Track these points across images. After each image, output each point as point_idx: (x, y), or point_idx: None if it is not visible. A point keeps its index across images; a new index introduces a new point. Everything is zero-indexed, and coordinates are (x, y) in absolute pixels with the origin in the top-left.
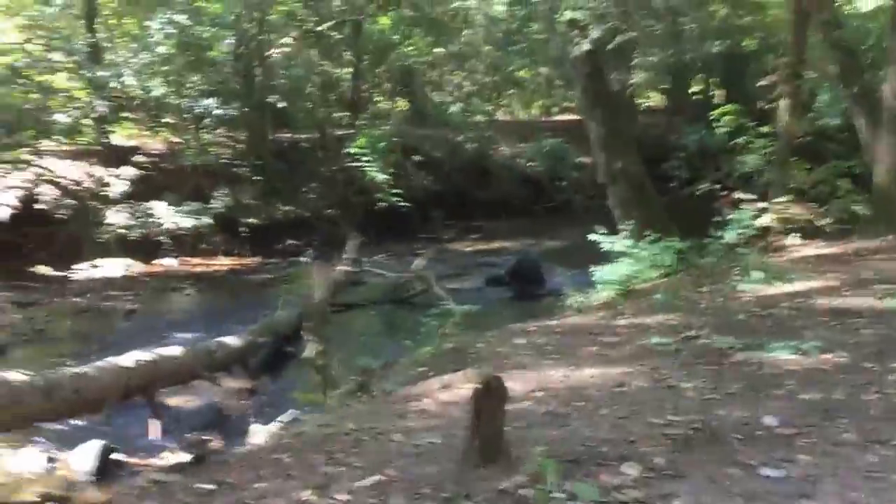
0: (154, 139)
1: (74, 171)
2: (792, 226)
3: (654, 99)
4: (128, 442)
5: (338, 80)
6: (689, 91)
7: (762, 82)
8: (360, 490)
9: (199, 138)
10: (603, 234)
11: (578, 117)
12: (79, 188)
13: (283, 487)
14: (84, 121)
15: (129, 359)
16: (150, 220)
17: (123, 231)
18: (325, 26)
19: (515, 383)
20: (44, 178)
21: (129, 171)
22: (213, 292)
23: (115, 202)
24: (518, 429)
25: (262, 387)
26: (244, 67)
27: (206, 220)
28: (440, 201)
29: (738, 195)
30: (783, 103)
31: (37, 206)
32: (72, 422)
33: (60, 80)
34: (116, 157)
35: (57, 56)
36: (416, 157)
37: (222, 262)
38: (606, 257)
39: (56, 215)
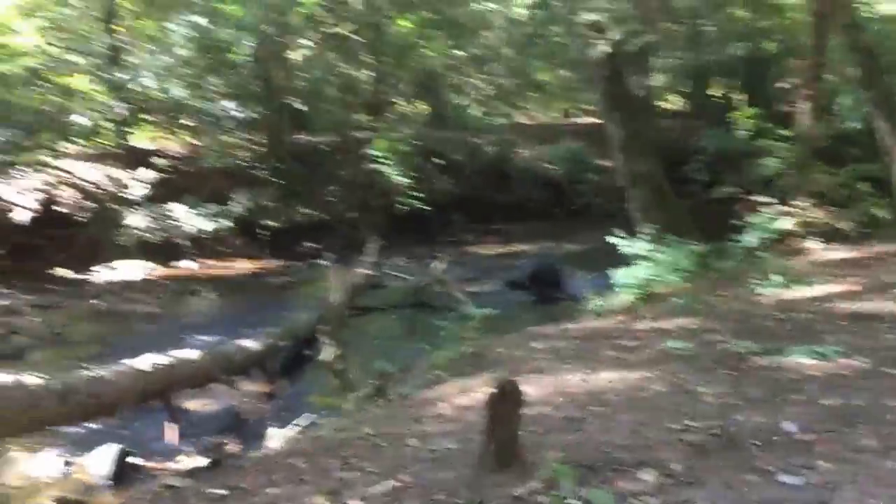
0: (174, 141)
1: (94, 174)
2: (812, 229)
3: (675, 102)
4: (145, 446)
5: (358, 82)
6: (710, 94)
7: (782, 85)
8: (373, 496)
9: (218, 141)
10: (622, 237)
11: (599, 120)
12: (98, 191)
13: (296, 493)
14: (103, 123)
15: (146, 362)
16: (170, 222)
17: (143, 234)
18: (344, 28)
19: (533, 387)
20: (63, 180)
21: (148, 174)
22: (233, 295)
23: (134, 205)
24: (534, 434)
25: (280, 390)
26: (264, 70)
27: (226, 222)
28: (460, 204)
29: (757, 199)
30: (803, 106)
31: (56, 209)
32: (89, 425)
33: (80, 82)
34: (136, 159)
35: (76, 58)
36: (436, 160)
37: (241, 265)
38: (626, 261)
39: (76, 218)
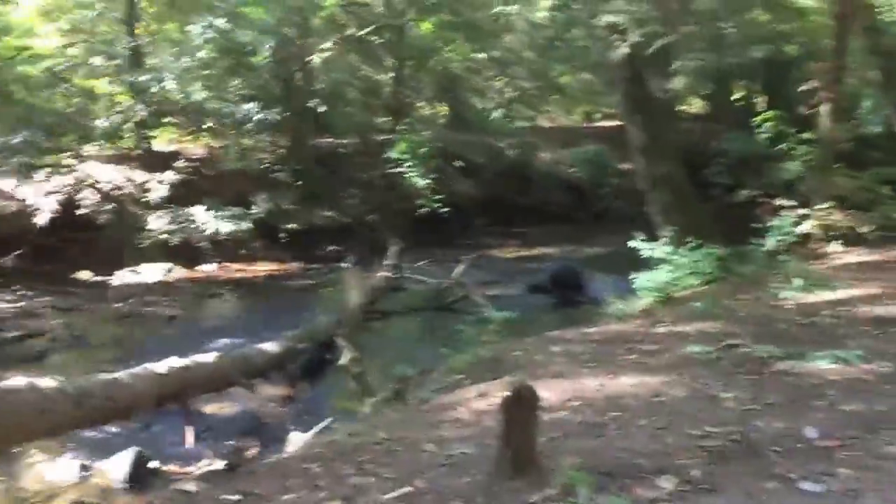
0: (195, 144)
1: (115, 176)
2: (833, 233)
3: (696, 105)
4: (165, 449)
5: (379, 85)
6: (731, 97)
7: (803, 88)
8: (387, 502)
9: (239, 143)
10: (643, 240)
11: (620, 123)
12: (120, 193)
13: (310, 499)
14: (125, 125)
15: (163, 366)
16: (191, 225)
17: (164, 236)
18: (365, 31)
19: (551, 392)
20: (85, 182)
21: (169, 176)
22: (253, 298)
23: (155, 207)
24: (552, 439)
25: (300, 394)
26: (285, 72)
27: (247, 225)
28: (481, 207)
29: (779, 202)
30: (824, 109)
31: (78, 211)
32: (109, 429)
33: (101, 84)
34: (157, 161)
35: (98, 60)
36: (457, 163)
37: (262, 268)
38: (647, 264)
39: (97, 220)
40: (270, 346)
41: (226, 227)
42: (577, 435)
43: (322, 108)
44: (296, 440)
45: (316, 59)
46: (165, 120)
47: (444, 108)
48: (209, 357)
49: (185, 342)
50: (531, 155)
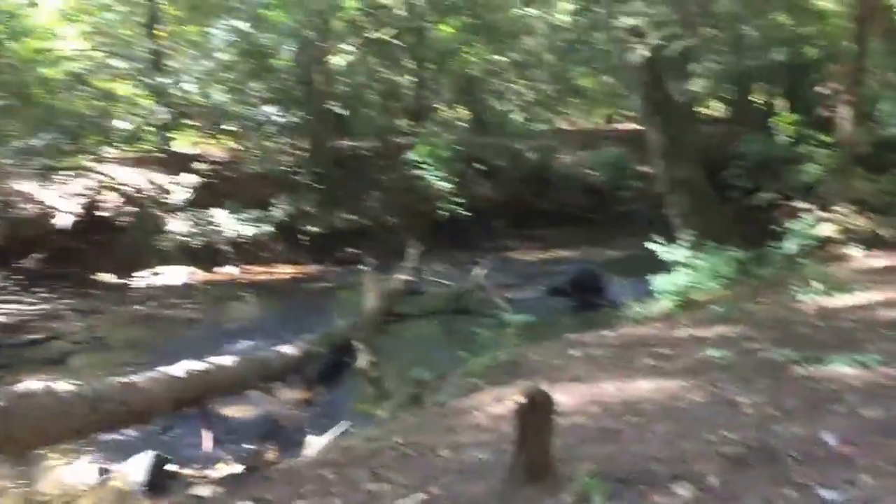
0: (215, 146)
1: (136, 179)
2: (853, 236)
3: (716, 108)
4: (184, 453)
5: (399, 87)
6: (751, 100)
7: (823, 91)
8: None
9: (260, 146)
10: (661, 243)
11: (640, 126)
12: (140, 195)
13: None
14: (146, 128)
15: (180, 369)
16: (212, 227)
17: (185, 239)
18: (386, 33)
19: (568, 396)
20: (106, 185)
21: (190, 179)
22: (274, 300)
23: (176, 210)
24: (569, 444)
25: (318, 397)
26: (305, 75)
27: (267, 227)
28: (501, 210)
29: (798, 205)
30: (844, 112)
31: (99, 214)
32: (128, 432)
33: (122, 86)
34: (178, 164)
35: (119, 63)
36: (478, 166)
37: (283, 271)
38: (666, 267)
39: (118, 222)
40: (288, 350)
41: (246, 230)
42: (594, 440)
43: (342, 111)
44: (313, 444)
45: (336, 61)
46: (186, 122)
47: (464, 111)
48: (227, 360)
49: (206, 345)
50: (551, 157)
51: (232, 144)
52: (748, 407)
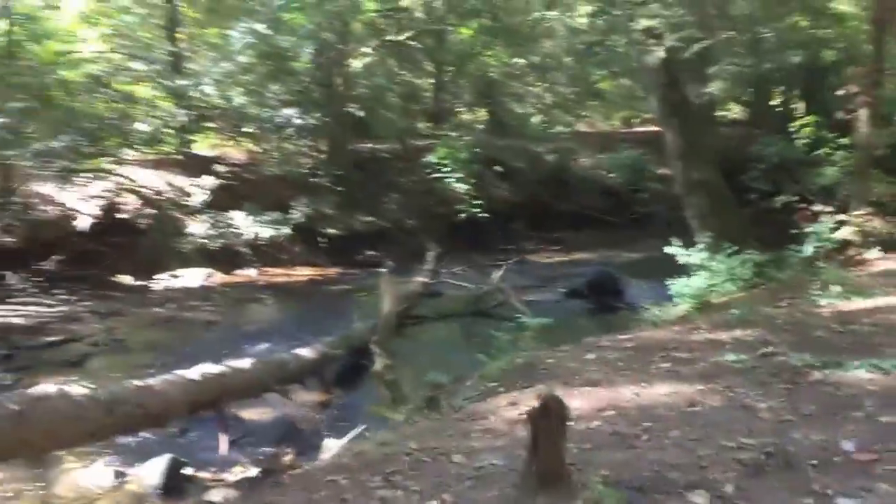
0: (235, 149)
1: (156, 181)
2: (872, 239)
3: (733, 110)
4: (200, 456)
5: (418, 90)
6: (769, 102)
7: (841, 93)
8: None
9: (279, 148)
10: (679, 246)
11: (658, 128)
12: (160, 198)
13: None
14: (165, 130)
15: (196, 372)
16: (231, 230)
17: (204, 241)
18: (405, 36)
19: (584, 401)
20: (125, 187)
21: (210, 181)
22: (293, 303)
23: (195, 212)
24: (584, 451)
25: (336, 400)
26: (324, 77)
27: (286, 230)
28: (520, 212)
29: (816, 207)
30: (862, 114)
31: (119, 216)
32: (145, 434)
33: (142, 89)
34: (197, 166)
35: (138, 65)
36: (496, 168)
37: (302, 273)
38: (685, 270)
39: (138, 225)
40: (306, 352)
41: (265, 232)
42: (609, 446)
43: (362, 113)
44: (331, 447)
45: (356, 63)
46: (206, 125)
47: (483, 113)
48: (244, 363)
49: (224, 347)
50: (569, 160)
51: (251, 147)
52: (765, 412)
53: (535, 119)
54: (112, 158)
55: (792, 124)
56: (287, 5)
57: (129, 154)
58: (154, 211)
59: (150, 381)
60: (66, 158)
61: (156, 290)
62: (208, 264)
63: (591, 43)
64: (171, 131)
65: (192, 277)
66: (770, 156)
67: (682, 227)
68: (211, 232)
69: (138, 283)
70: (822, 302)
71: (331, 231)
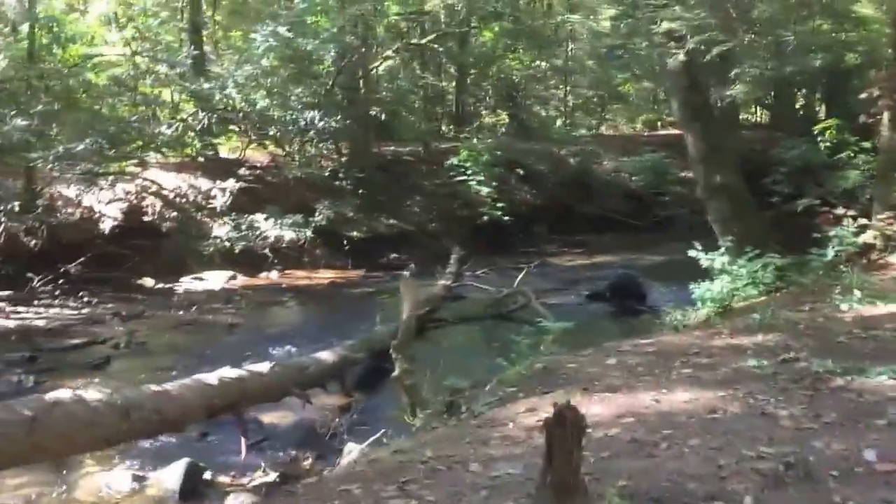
0: (258, 151)
1: (179, 184)
2: (894, 243)
3: (756, 113)
4: (220, 460)
5: (441, 92)
6: (791, 105)
7: (864, 97)
8: None
9: (302, 151)
10: (701, 250)
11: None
12: (183, 200)
13: None
14: (188, 133)
15: (214, 377)
16: (254, 232)
17: (227, 244)
18: (428, 39)
19: (603, 407)
20: (149, 190)
21: (232, 184)
22: (315, 305)
23: (219, 214)
24: (601, 459)
25: (356, 404)
26: (347, 80)
27: (309, 232)
28: (542, 215)
29: (838, 211)
30: (885, 118)
31: (142, 219)
32: (164, 438)
33: (166, 92)
34: (221, 169)
35: (162, 68)
36: (520, 171)
37: (324, 275)
38: (707, 273)
39: (161, 227)
40: (326, 356)
41: (288, 235)
42: (627, 455)
43: (384, 116)
44: (352, 451)
45: (379, 67)
46: (229, 128)
47: (505, 116)
48: (263, 367)
49: (247, 350)
50: (592, 163)
51: (274, 149)
52: (786, 420)
53: (558, 122)
54: (135, 161)
55: (814, 127)
56: (310, 8)
57: (152, 157)
58: (177, 214)
59: (167, 386)
60: (89, 161)
61: (178, 293)
62: (230, 267)
63: (614, 46)
64: (194, 134)
65: (215, 280)
66: (792, 159)
67: (704, 231)
68: (233, 235)
69: (161, 285)
70: (844, 307)
71: (353, 234)
